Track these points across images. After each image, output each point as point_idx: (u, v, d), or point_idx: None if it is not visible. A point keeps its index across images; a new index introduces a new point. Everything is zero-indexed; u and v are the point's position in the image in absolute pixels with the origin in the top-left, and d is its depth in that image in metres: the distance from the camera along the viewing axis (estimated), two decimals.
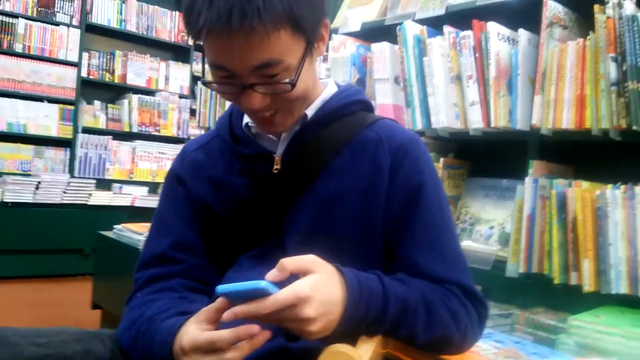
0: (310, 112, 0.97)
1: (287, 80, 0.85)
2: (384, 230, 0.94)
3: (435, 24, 1.77)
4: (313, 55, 0.91)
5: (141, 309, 0.92)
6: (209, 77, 0.91)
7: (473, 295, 0.93)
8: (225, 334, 0.72)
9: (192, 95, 5.07)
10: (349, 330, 0.79)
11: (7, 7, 4.11)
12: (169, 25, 4.92)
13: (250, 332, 0.73)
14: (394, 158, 0.95)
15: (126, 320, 0.93)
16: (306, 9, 0.83)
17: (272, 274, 0.73)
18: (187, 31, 0.85)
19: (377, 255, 0.95)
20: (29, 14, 4.20)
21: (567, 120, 1.44)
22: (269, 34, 0.80)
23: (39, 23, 4.22)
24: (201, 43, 0.86)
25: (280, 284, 0.73)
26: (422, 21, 1.82)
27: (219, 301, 0.75)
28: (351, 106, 1.00)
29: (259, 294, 0.71)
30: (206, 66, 0.93)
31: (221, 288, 0.72)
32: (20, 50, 4.15)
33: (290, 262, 0.74)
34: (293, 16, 0.81)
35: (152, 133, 4.80)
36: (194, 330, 0.76)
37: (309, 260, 0.77)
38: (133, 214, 4.09)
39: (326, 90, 1.01)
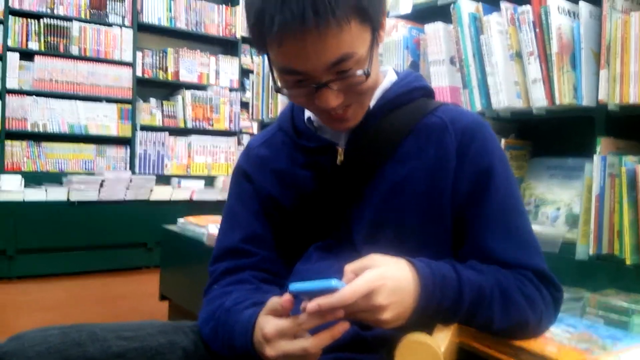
0: (372, 102, 0.97)
1: (360, 72, 0.85)
2: (453, 215, 0.93)
3: (491, 1, 1.72)
4: (378, 43, 0.90)
5: (219, 301, 0.95)
6: (277, 82, 0.90)
7: (547, 279, 0.91)
8: (309, 317, 0.74)
9: (242, 88, 5.14)
10: (423, 319, 0.79)
11: (61, 11, 4.26)
12: (217, 19, 4.99)
13: (335, 316, 0.73)
14: (461, 141, 0.94)
15: (205, 311, 0.97)
16: None
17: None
18: (257, 40, 0.85)
19: (446, 243, 0.94)
20: (82, 16, 4.35)
21: (634, 95, 1.38)
22: (342, 28, 0.80)
23: (92, 25, 4.37)
24: (267, 51, 0.85)
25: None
26: None
27: (285, 298, 0.77)
28: (412, 93, 0.99)
29: (330, 292, 0.72)
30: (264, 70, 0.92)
31: (294, 286, 0.74)
32: (77, 53, 4.30)
33: (353, 266, 0.76)
34: (360, 5, 0.81)
35: (206, 127, 4.90)
36: (275, 321, 0.77)
37: (370, 258, 0.78)
38: (192, 207, 4.19)
39: (386, 79, 1.00)
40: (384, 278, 0.74)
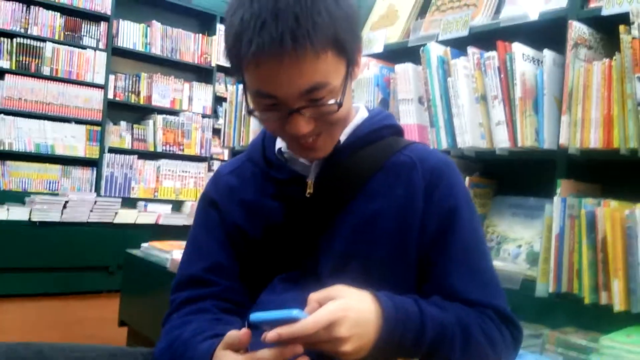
0: (342, 136, 0.99)
1: (332, 101, 0.86)
2: (419, 253, 0.95)
3: (458, 45, 1.78)
4: (352, 78, 0.93)
5: (177, 331, 0.94)
6: (251, 105, 0.91)
7: (508, 319, 0.93)
8: (266, 354, 0.74)
9: (215, 114, 5.14)
10: (384, 353, 0.80)
11: (35, 32, 4.23)
12: (192, 47, 5.01)
13: (295, 351, 0.74)
14: (429, 181, 0.96)
15: (164, 341, 0.95)
16: (348, 32, 0.86)
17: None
18: (233, 62, 0.87)
19: (410, 278, 0.96)
20: (56, 37, 4.31)
21: (594, 140, 1.44)
22: (318, 57, 0.82)
23: (66, 47, 4.33)
24: (242, 74, 0.87)
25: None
26: (445, 42, 1.83)
27: (243, 332, 0.77)
28: (382, 130, 1.02)
29: (291, 323, 0.72)
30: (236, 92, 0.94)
31: (254, 316, 0.74)
32: (48, 73, 4.26)
33: (317, 295, 0.77)
34: (338, 39, 0.84)
35: (176, 152, 4.87)
36: (232, 356, 0.77)
37: (335, 288, 0.79)
38: (157, 231, 4.14)
39: (358, 115, 1.02)
40: (347, 310, 0.75)
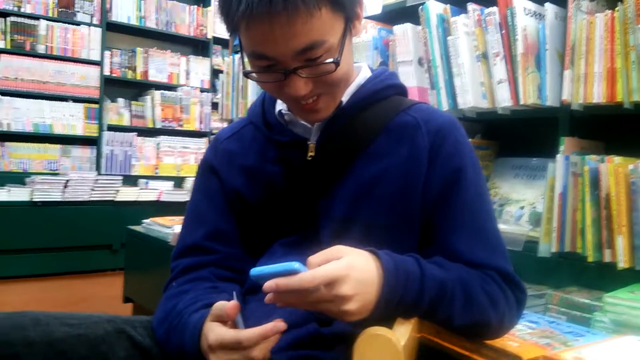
0: (345, 97, 0.96)
1: (330, 60, 0.83)
2: (422, 215, 0.92)
3: (458, 2, 1.74)
4: (352, 34, 0.89)
5: (174, 301, 0.93)
6: (247, 67, 0.89)
7: (512, 280, 0.91)
8: (251, 334, 0.72)
9: (213, 88, 5.10)
10: (385, 313, 0.78)
11: (28, 9, 4.17)
12: (188, 19, 4.94)
13: (277, 328, 0.73)
14: (433, 141, 0.93)
15: (160, 311, 0.95)
16: None
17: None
18: (226, 22, 0.84)
19: (413, 241, 0.93)
20: (50, 14, 4.25)
21: (598, 95, 1.40)
22: (312, 14, 0.78)
23: (60, 24, 4.27)
24: (238, 34, 0.84)
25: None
26: (444, 0, 1.79)
27: (230, 305, 0.75)
28: (386, 90, 0.99)
29: (292, 275, 0.70)
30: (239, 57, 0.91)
31: (255, 271, 0.72)
32: (43, 52, 4.21)
33: (315, 257, 0.74)
34: None
35: (175, 128, 4.84)
36: (220, 329, 0.76)
37: (334, 249, 0.76)
38: (159, 208, 4.12)
39: (360, 75, 1.00)
40: (350, 268, 0.73)
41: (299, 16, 0.78)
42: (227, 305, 0.75)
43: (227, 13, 0.81)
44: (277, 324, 0.73)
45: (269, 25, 0.78)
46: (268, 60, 0.83)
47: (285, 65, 0.83)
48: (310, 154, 0.95)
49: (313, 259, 0.74)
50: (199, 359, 0.80)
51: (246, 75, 0.89)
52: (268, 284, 0.69)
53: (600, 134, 1.56)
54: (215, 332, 0.76)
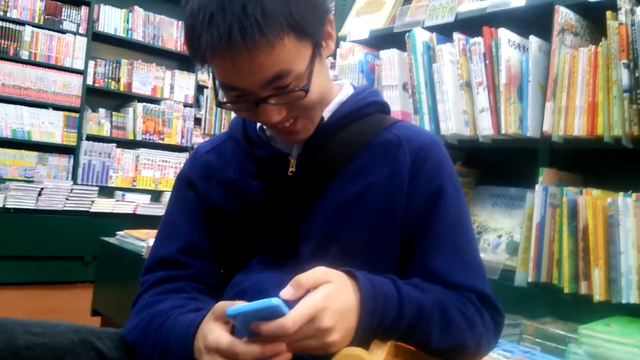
0: (326, 114, 0.95)
1: (299, 87, 0.82)
2: (403, 234, 0.91)
3: (444, 31, 1.76)
4: (322, 55, 0.88)
5: (152, 307, 0.90)
6: (222, 96, 0.89)
7: (490, 303, 0.90)
8: (248, 349, 0.70)
9: (197, 104, 5.08)
10: (364, 336, 0.77)
11: (14, 14, 4.14)
12: (175, 34, 4.94)
13: (277, 350, 0.70)
14: (414, 160, 0.92)
15: (134, 319, 0.91)
16: (305, 10, 0.80)
17: (288, 292, 0.71)
18: (192, 56, 0.83)
19: (392, 260, 0.92)
20: (36, 21, 4.23)
21: (578, 127, 1.42)
22: (273, 46, 0.77)
23: (45, 31, 4.24)
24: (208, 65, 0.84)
25: (289, 302, 0.70)
26: (431, 28, 1.81)
27: (238, 303, 0.73)
28: (368, 107, 0.98)
29: (271, 313, 0.68)
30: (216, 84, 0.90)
31: (231, 310, 0.69)
32: (27, 57, 4.17)
33: (306, 278, 0.72)
34: (294, 21, 0.78)
35: (156, 141, 4.80)
36: (221, 332, 0.74)
37: (322, 272, 0.74)
38: (135, 221, 4.07)
39: (342, 92, 0.99)
40: (328, 299, 0.71)
41: (260, 49, 0.77)
42: (239, 303, 0.72)
43: (191, 48, 0.81)
44: (279, 346, 0.70)
45: (230, 60, 0.78)
46: (238, 90, 0.83)
47: (255, 95, 0.82)
48: (291, 169, 0.94)
49: (304, 279, 0.72)
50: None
51: (220, 105, 0.88)
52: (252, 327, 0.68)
53: (579, 167, 1.57)
54: (215, 333, 0.73)
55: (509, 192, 1.72)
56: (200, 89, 5.03)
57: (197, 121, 4.93)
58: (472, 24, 1.70)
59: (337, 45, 2.07)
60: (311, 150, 0.94)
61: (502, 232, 1.66)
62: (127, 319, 0.94)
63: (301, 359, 0.82)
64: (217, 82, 0.86)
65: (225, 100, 0.87)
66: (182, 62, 5.12)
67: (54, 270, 3.98)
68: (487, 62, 1.59)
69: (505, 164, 1.78)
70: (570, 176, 1.55)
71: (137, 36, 4.72)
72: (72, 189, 4.11)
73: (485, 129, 1.59)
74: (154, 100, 4.83)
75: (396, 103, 1.85)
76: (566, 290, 1.39)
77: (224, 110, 2.75)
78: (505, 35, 1.57)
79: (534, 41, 1.56)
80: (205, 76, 5.17)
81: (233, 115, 2.62)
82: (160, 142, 4.82)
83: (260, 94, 0.82)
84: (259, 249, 0.96)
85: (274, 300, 0.67)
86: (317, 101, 0.88)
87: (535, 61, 1.55)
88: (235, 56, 0.77)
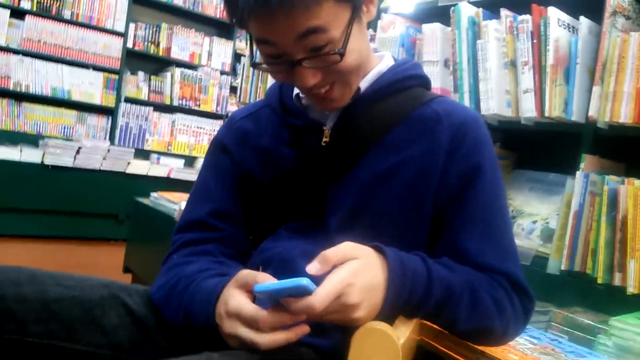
0: (364, 85, 0.93)
1: (334, 51, 0.81)
2: (435, 211, 0.89)
3: (491, 7, 1.70)
4: (362, 20, 0.86)
5: (179, 269, 0.91)
6: (258, 58, 0.87)
7: (521, 288, 0.88)
8: (269, 317, 0.70)
9: (234, 72, 5.08)
10: (390, 313, 0.76)
11: None
12: (215, 0, 4.92)
13: (298, 320, 0.71)
14: (454, 137, 0.90)
15: (162, 279, 0.93)
16: None
17: (315, 267, 0.70)
18: (230, 17, 0.83)
19: (422, 237, 0.91)
20: None
21: (625, 114, 1.37)
22: (309, 7, 0.76)
23: None
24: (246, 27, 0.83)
25: (317, 278, 0.70)
26: (477, 3, 1.75)
27: (260, 274, 0.74)
28: (408, 80, 0.96)
29: (299, 291, 0.68)
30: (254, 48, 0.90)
31: (260, 287, 0.70)
32: (69, 17, 4.20)
33: (333, 254, 0.71)
34: None
35: (192, 107, 4.83)
36: (242, 299, 0.74)
37: (350, 247, 0.74)
38: (168, 185, 4.12)
39: (382, 63, 0.97)
40: (355, 275, 0.71)
41: (297, 10, 0.76)
42: (256, 274, 0.73)
43: (230, 9, 0.81)
44: (303, 327, 0.71)
45: (269, 18, 0.77)
46: (273, 47, 0.81)
47: (290, 55, 0.81)
48: (324, 139, 0.93)
49: (331, 255, 0.71)
50: (204, 324, 0.79)
51: (254, 66, 0.87)
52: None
53: (622, 156, 1.52)
54: (237, 299, 0.74)
55: (547, 178, 1.68)
56: (237, 57, 5.01)
57: (233, 89, 4.94)
58: (520, 1, 1.64)
59: (378, 17, 2.03)
60: (346, 122, 0.92)
61: (537, 217, 1.63)
62: (157, 278, 0.96)
63: (321, 324, 0.83)
64: (254, 42, 0.85)
65: (260, 61, 0.86)
66: (221, 29, 5.11)
67: (89, 227, 4.08)
68: (535, 41, 1.54)
69: (545, 148, 1.73)
70: (612, 164, 1.50)
71: (178, 1, 4.72)
72: (109, 150, 4.18)
73: (528, 110, 1.55)
74: (192, 67, 4.85)
75: (436, 80, 1.81)
76: (599, 281, 1.36)
77: (259, 79, 2.74)
78: (554, 14, 1.51)
79: (584, 22, 1.50)
80: (243, 44, 5.16)
81: (269, 84, 2.62)
82: (196, 108, 4.85)
83: (294, 54, 0.81)
84: (288, 217, 0.95)
85: (303, 281, 0.66)
86: (353, 67, 0.86)
87: (584, 43, 1.50)
88: (272, 16, 0.76)
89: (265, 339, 0.70)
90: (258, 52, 0.87)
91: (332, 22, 0.79)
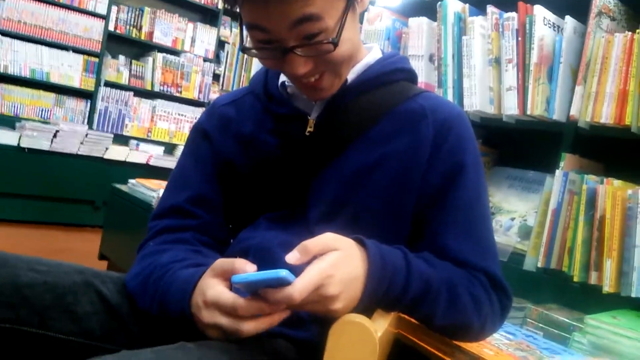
0: (351, 76, 0.93)
1: (328, 40, 0.80)
2: (416, 207, 0.89)
3: (477, 4, 1.71)
4: (356, 10, 0.86)
5: (154, 257, 0.89)
6: (248, 42, 0.86)
7: (499, 285, 0.89)
8: (248, 304, 0.69)
9: (217, 60, 5.03)
10: (368, 305, 0.76)
11: None
12: None
13: (277, 308, 0.70)
14: (438, 133, 0.90)
15: (137, 267, 0.91)
16: None
17: (294, 257, 0.69)
18: (223, 1, 0.81)
19: (402, 232, 0.90)
20: None
21: (606, 115, 1.38)
22: None
23: None
24: (238, 10, 0.82)
25: (296, 268, 0.69)
26: None
27: (239, 261, 0.72)
28: (395, 74, 0.95)
29: (278, 282, 0.67)
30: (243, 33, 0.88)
31: (237, 278, 0.68)
32: None
33: (314, 245, 0.70)
34: None
35: (174, 94, 4.77)
36: (220, 288, 0.72)
37: (331, 239, 0.73)
38: (147, 172, 4.06)
39: (369, 55, 0.96)
40: (335, 267, 0.70)
41: None
42: (236, 262, 0.72)
43: None
44: (284, 312, 0.70)
45: (261, 1, 0.76)
46: (265, 33, 0.80)
47: (282, 42, 0.80)
48: (309, 129, 0.92)
49: (312, 245, 0.70)
50: (178, 315, 0.77)
51: (244, 50, 0.86)
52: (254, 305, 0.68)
53: (602, 155, 1.54)
54: (215, 289, 0.72)
55: (527, 175, 1.69)
56: (221, 44, 4.97)
57: (216, 77, 4.89)
58: None
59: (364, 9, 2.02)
60: (331, 112, 0.92)
61: (515, 214, 1.64)
62: (132, 266, 0.94)
63: (299, 316, 0.82)
64: (244, 26, 0.84)
65: (250, 46, 0.85)
66: (205, 15, 5.05)
67: (65, 212, 4.02)
68: (520, 39, 1.54)
69: (526, 146, 1.74)
70: (592, 164, 1.52)
71: None
72: (87, 134, 4.12)
73: (511, 108, 1.55)
74: (174, 52, 4.79)
75: (420, 74, 1.80)
76: (575, 279, 1.37)
77: (243, 68, 2.71)
78: (540, 12, 1.52)
79: (569, 22, 1.51)
80: (227, 31, 5.10)
81: (253, 72, 2.60)
82: (178, 95, 4.79)
83: (287, 41, 0.80)
84: (267, 207, 0.94)
85: (281, 272, 0.65)
86: (345, 57, 0.86)
87: (568, 42, 1.50)
88: (266, 2, 0.75)
89: (249, 326, 0.70)
90: (248, 37, 0.85)
91: (327, 11, 0.79)
